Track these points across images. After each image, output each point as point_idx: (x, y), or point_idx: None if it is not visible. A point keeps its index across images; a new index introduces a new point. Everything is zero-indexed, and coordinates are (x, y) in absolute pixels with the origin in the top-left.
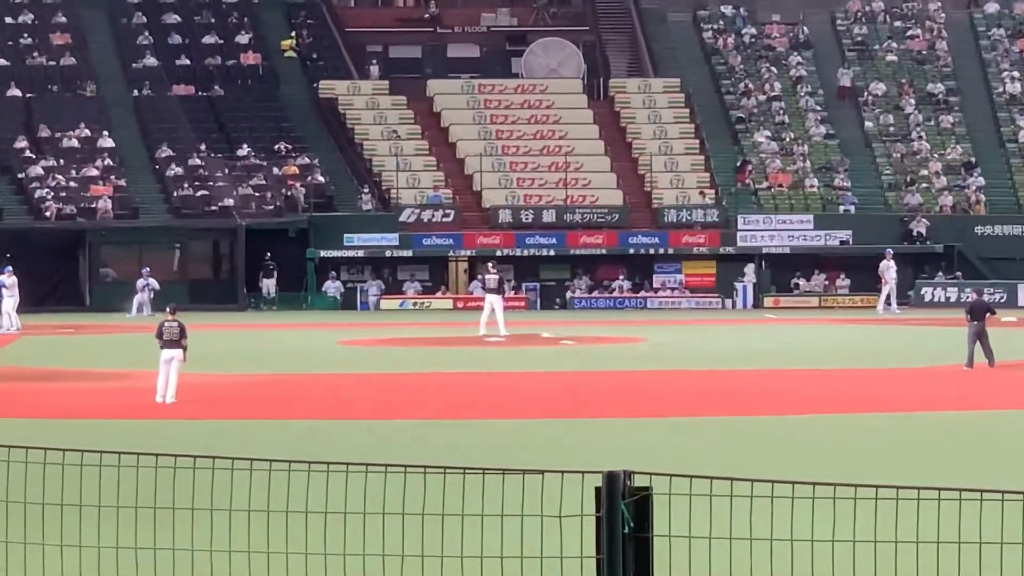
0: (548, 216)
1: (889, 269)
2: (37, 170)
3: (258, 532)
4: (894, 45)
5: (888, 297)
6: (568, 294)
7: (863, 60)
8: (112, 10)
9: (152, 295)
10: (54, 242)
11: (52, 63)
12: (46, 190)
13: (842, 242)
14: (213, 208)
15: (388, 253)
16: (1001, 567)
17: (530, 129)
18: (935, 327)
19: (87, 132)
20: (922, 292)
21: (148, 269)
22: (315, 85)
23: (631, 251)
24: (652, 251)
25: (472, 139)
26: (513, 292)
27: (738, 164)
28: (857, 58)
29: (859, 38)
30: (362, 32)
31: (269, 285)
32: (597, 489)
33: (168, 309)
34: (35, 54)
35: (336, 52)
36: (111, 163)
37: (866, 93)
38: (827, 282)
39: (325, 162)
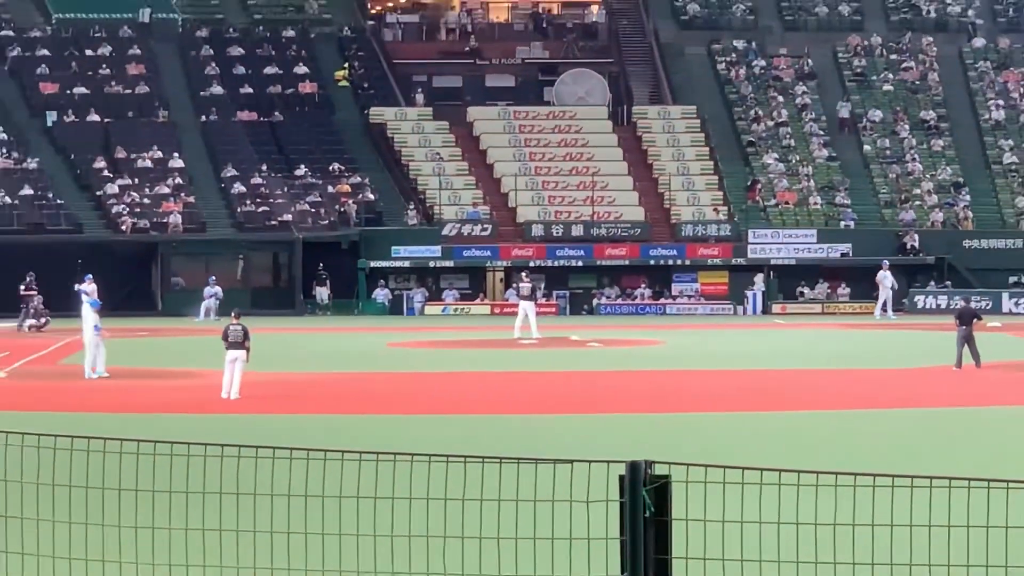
0: (576, 230)
1: (885, 279)
2: (114, 188)
3: (314, 516)
4: (890, 76)
5: (884, 304)
6: (595, 301)
7: (862, 90)
8: (182, 43)
9: (218, 301)
10: (129, 253)
11: (128, 91)
12: (122, 206)
13: (843, 254)
14: (273, 223)
15: (432, 263)
16: (987, 550)
17: (560, 152)
18: (927, 331)
19: (159, 154)
20: (915, 300)
21: (214, 278)
22: (366, 111)
23: (652, 262)
24: (671, 262)
25: (508, 160)
26: (545, 299)
27: (748, 183)
28: (857, 88)
29: (859, 69)
30: (408, 63)
31: (322, 292)
32: (621, 477)
33: (233, 314)
34: (113, 83)
35: (385, 82)
36: (181, 182)
37: (865, 119)
38: (829, 290)
39: (375, 181)
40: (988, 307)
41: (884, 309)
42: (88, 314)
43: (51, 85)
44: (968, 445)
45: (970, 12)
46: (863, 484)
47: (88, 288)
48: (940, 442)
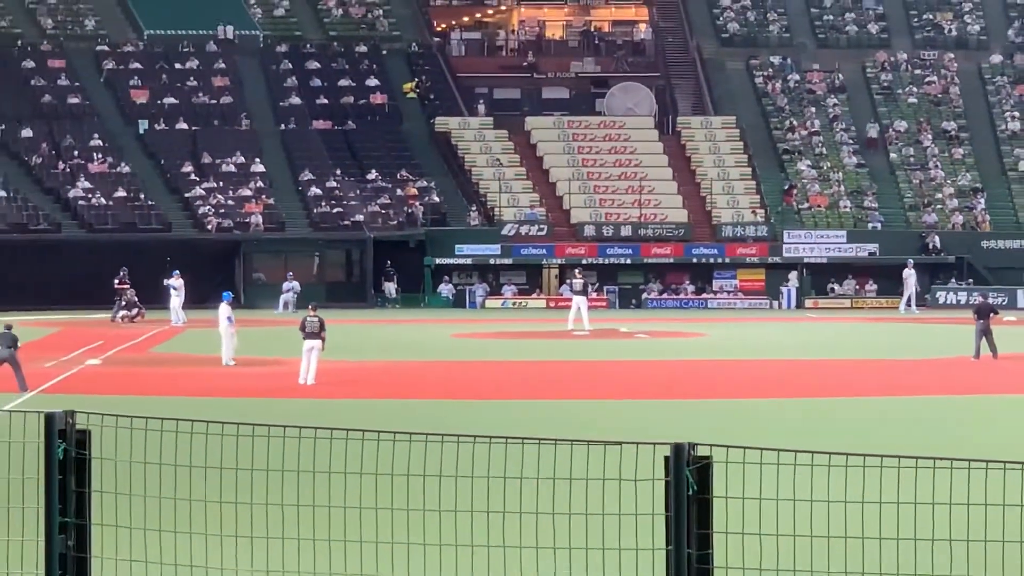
0: (625, 231)
1: (910, 276)
2: (200, 191)
3: (384, 493)
4: (914, 89)
5: (909, 299)
6: (642, 295)
7: (888, 102)
8: (264, 58)
9: (295, 295)
10: (214, 251)
11: (213, 102)
12: (208, 207)
13: (870, 253)
14: (346, 223)
15: (492, 261)
16: (1003, 527)
17: (610, 158)
18: (948, 325)
19: (242, 159)
20: (937, 296)
21: (292, 273)
22: (432, 121)
23: (694, 260)
24: (712, 260)
25: (562, 167)
26: (596, 294)
27: (786, 188)
28: (884, 100)
29: (885, 83)
30: (471, 77)
31: (390, 287)
32: (666, 458)
33: (310, 307)
34: (199, 94)
35: (449, 93)
36: (262, 185)
37: (891, 130)
38: (857, 287)
39: (440, 185)
40: (1004, 303)
41: (908, 304)
42: (221, 307)
43: (143, 95)
44: (986, 429)
45: (1010, 32)
46: (889, 465)
47: (176, 283)
48: (960, 427)
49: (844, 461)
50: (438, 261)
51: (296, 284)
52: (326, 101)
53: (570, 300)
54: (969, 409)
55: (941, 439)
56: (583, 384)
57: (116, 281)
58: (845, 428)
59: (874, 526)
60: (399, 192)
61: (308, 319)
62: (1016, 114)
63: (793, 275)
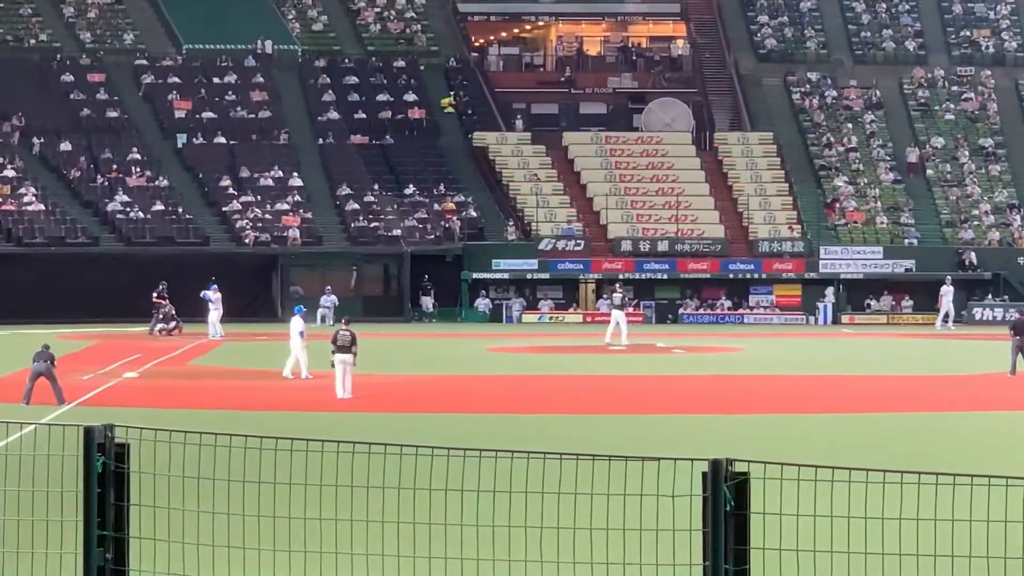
0: (662, 246)
1: (947, 293)
2: (238, 204)
3: (421, 507)
4: (951, 106)
5: (946, 315)
6: (679, 311)
7: (925, 118)
8: (302, 72)
9: (333, 309)
10: (252, 264)
11: (252, 116)
12: (245, 221)
13: (907, 269)
14: (384, 236)
15: (529, 275)
16: None
17: (647, 174)
18: (984, 341)
19: (280, 173)
20: (973, 312)
21: (330, 287)
22: (469, 136)
23: (731, 275)
24: (748, 275)
25: (600, 182)
26: (633, 308)
27: (828, 201)
28: (921, 117)
29: (922, 100)
30: (509, 92)
31: (428, 301)
32: (704, 474)
33: (343, 320)
34: (238, 108)
35: (487, 108)
36: (300, 199)
37: (928, 146)
38: (894, 303)
39: (477, 200)
40: None
41: (944, 320)
42: (294, 321)
43: (181, 109)
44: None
45: None
46: (926, 482)
47: (214, 296)
48: (997, 443)
49: (882, 478)
50: (475, 276)
51: (334, 298)
52: (364, 116)
53: (608, 315)
54: (1006, 426)
55: (978, 456)
56: (620, 399)
57: (154, 295)
58: (882, 444)
59: (911, 543)
60: (436, 207)
61: (340, 333)
62: None
63: (829, 291)
